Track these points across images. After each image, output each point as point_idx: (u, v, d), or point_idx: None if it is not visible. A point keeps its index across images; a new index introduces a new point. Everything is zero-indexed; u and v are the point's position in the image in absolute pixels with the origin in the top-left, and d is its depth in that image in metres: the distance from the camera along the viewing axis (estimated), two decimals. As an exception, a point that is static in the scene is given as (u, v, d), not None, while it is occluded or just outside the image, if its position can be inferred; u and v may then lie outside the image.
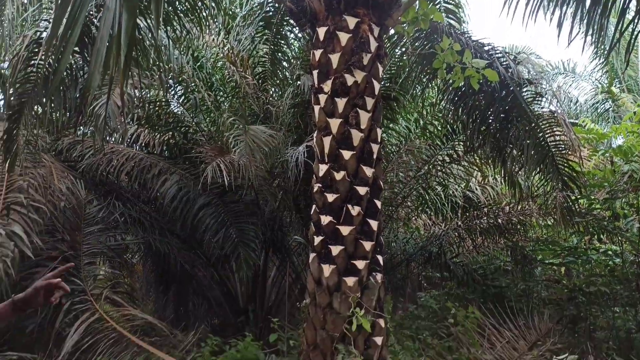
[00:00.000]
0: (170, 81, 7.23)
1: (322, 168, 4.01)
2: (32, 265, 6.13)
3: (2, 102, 8.15)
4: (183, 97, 7.57)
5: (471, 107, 6.52)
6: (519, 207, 8.65)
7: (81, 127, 7.67)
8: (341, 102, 3.99)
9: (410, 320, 7.85)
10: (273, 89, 7.64)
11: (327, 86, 4.05)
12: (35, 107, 5.33)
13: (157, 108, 7.40)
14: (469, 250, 9.65)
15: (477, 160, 8.42)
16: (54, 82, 4.57)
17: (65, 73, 5.07)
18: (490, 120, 6.64)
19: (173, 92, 7.64)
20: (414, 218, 10.17)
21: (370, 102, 4.05)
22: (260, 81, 7.40)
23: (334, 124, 3.99)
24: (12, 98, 5.34)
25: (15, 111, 5.18)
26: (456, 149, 8.11)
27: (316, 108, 4.14)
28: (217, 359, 6.18)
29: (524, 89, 6.38)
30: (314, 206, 4.11)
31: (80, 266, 6.47)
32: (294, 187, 6.89)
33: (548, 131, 6.55)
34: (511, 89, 6.06)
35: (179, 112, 7.91)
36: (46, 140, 6.56)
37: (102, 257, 7.39)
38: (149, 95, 7.46)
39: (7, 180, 5.81)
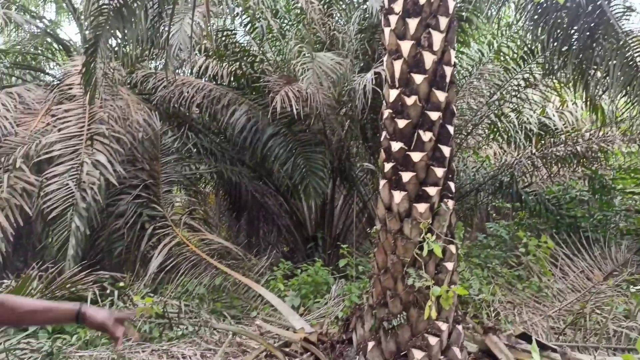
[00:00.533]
0: (237, 9, 7.16)
1: (393, 93, 3.88)
2: (117, 192, 6.55)
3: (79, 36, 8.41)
4: (249, 26, 7.49)
5: (552, 25, 6.05)
6: (601, 133, 8.14)
7: (152, 61, 7.86)
8: (413, 23, 3.79)
9: (479, 249, 7.80)
10: (339, 14, 7.40)
11: (397, 6, 3.84)
12: (110, 40, 5.46)
13: (224, 37, 7.40)
14: (542, 179, 9.30)
15: (556, 84, 7.92)
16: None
17: (135, 4, 5.12)
18: (573, 39, 6.16)
19: (239, 21, 7.58)
20: (484, 147, 9.86)
21: (443, 21, 3.82)
22: (325, 6, 7.18)
23: (405, 46, 3.81)
24: (87, 31, 5.51)
25: (91, 44, 5.34)
26: (533, 72, 7.64)
27: (386, 30, 3.96)
28: (290, 282, 6.46)
29: (612, 3, 5.82)
30: (384, 132, 4.03)
31: (159, 194, 6.84)
32: (361, 115, 6.80)
33: (638, 50, 6.00)
34: (598, 3, 5.55)
35: (245, 42, 7.88)
36: (121, 73, 6.78)
37: (179, 185, 7.78)
38: (215, 25, 7.45)
39: (89, 112, 6.12)
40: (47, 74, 9.16)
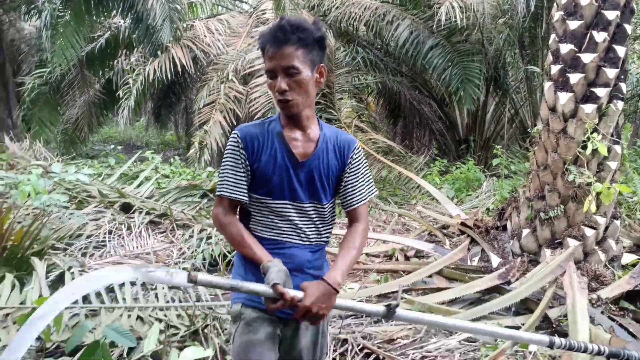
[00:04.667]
0: None
1: (566, -6, 3.35)
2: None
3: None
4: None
5: None
6: None
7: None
8: None
9: (635, 154, 6.78)
10: None
11: None
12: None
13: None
14: None
15: None
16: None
17: None
18: None
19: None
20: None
21: None
22: None
23: (585, -58, 3.20)
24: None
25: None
26: None
27: None
28: (444, 177, 6.37)
29: None
30: (552, 35, 3.54)
31: (334, 100, 7.01)
32: (520, 23, 6.04)
33: None
34: None
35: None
36: (303, -3, 6.81)
37: (348, 93, 7.87)
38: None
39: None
40: (245, 2, 9.57)
